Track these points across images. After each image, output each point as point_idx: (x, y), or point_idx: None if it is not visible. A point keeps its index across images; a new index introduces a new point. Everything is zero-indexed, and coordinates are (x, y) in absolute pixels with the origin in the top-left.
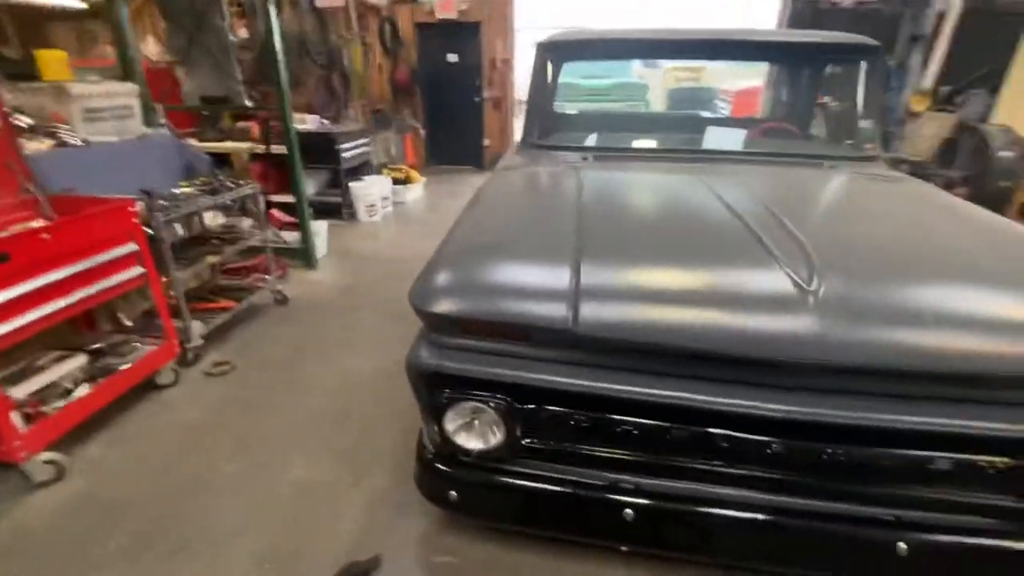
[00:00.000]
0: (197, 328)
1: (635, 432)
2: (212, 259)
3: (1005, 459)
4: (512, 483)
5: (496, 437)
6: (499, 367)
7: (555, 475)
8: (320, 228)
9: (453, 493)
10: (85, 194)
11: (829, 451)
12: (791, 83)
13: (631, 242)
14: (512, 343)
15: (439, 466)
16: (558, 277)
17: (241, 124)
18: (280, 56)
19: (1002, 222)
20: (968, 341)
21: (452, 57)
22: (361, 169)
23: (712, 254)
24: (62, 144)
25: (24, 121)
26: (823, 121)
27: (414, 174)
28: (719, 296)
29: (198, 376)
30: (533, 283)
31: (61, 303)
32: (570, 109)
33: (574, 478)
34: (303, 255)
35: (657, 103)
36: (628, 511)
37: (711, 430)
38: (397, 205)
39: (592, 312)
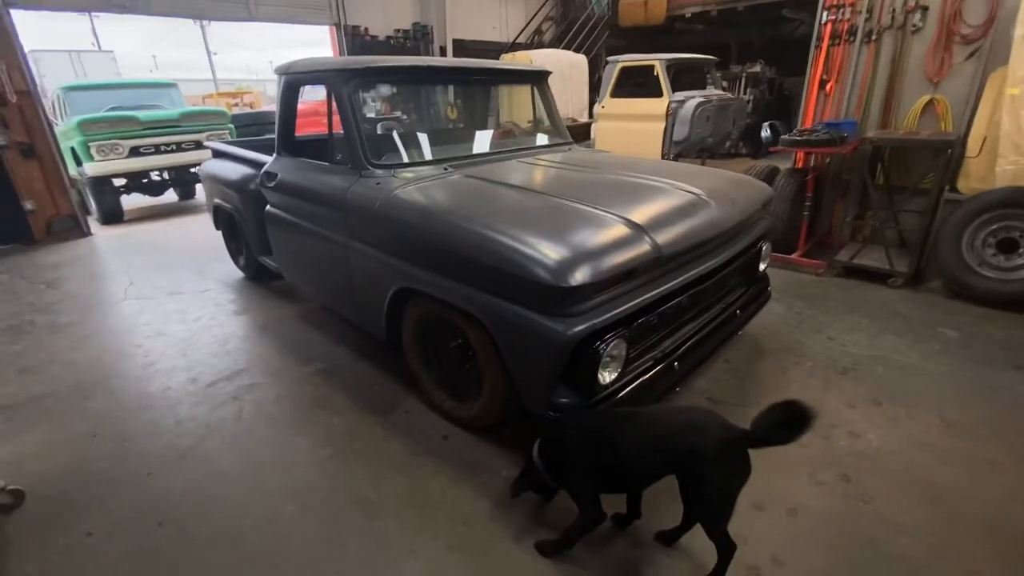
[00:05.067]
0: None
1: (674, 309)
2: None
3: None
4: (632, 388)
5: (620, 362)
6: (624, 305)
7: (641, 367)
8: None
9: None
10: None
11: (719, 277)
12: (492, 99)
13: (613, 197)
14: (619, 285)
15: None
16: (622, 229)
17: None
18: None
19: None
20: (737, 206)
21: None
22: None
23: (655, 193)
24: None
25: None
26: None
27: None
28: (691, 209)
29: None
30: (613, 239)
31: None
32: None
33: (649, 362)
34: None
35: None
36: (676, 364)
37: (699, 287)
38: None
39: (662, 239)
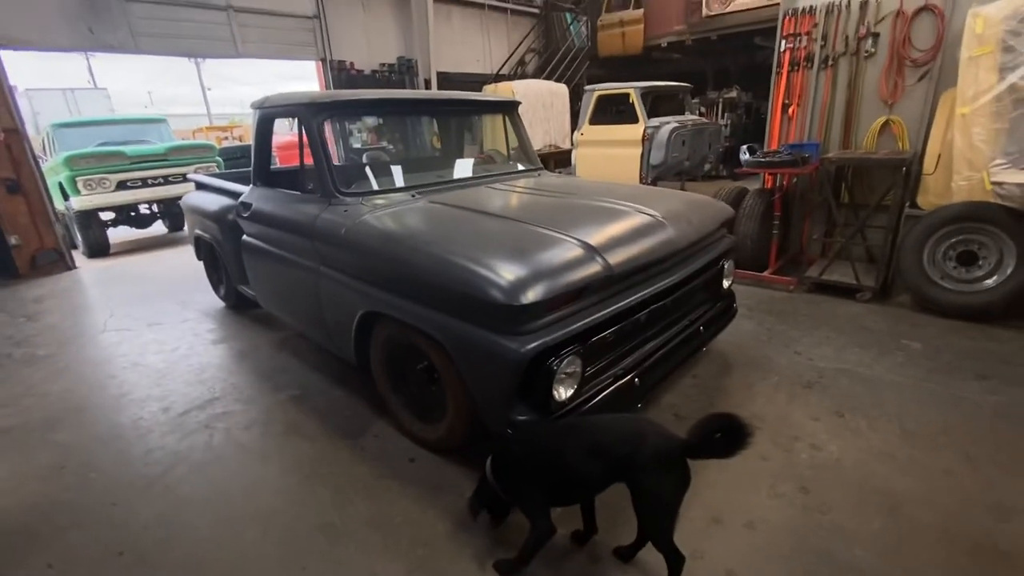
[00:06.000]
0: None
1: (632, 326)
2: None
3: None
4: (592, 404)
5: (576, 378)
6: (578, 322)
7: (601, 384)
8: None
9: None
10: None
11: (680, 293)
12: (465, 128)
13: (571, 220)
14: (571, 304)
15: None
16: (575, 250)
17: None
18: None
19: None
20: (695, 226)
21: None
22: None
23: (613, 216)
24: None
25: None
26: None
27: None
28: (646, 230)
29: None
30: (566, 259)
31: None
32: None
33: (609, 379)
34: None
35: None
36: (636, 380)
37: (658, 303)
38: None
39: (614, 259)
